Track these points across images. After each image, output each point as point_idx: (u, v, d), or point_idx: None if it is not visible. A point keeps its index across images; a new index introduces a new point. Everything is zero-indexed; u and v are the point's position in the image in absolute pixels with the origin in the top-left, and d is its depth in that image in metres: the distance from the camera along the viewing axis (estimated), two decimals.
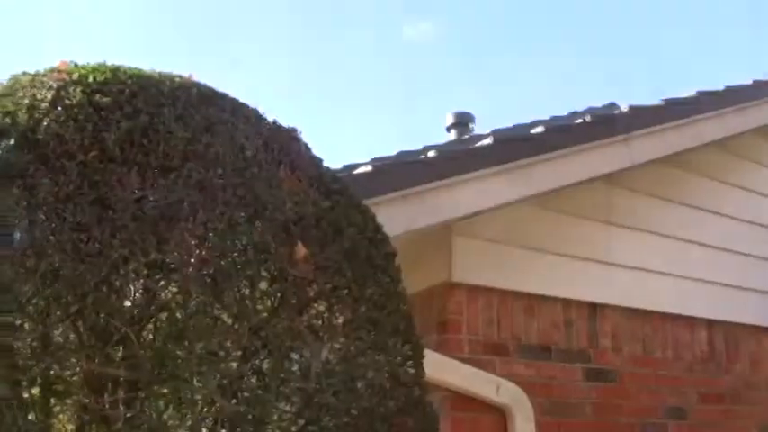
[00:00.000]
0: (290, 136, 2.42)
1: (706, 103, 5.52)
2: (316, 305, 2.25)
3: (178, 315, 2.00)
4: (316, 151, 2.51)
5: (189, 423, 1.98)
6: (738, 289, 5.89)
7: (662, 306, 5.36)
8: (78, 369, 1.96)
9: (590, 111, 6.13)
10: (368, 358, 2.29)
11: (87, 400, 1.94)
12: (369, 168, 3.73)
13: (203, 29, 16.28)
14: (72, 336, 1.95)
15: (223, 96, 2.32)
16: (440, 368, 3.94)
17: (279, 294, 2.16)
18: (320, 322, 2.24)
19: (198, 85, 2.28)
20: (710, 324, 5.68)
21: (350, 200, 2.47)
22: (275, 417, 2.07)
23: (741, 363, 5.84)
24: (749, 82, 6.13)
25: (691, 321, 5.55)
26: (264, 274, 2.14)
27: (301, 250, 2.19)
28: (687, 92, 5.75)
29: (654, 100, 5.40)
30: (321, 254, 2.25)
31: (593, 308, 5.01)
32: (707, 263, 5.73)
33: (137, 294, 2.03)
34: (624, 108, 5.31)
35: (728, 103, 5.70)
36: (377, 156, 4.35)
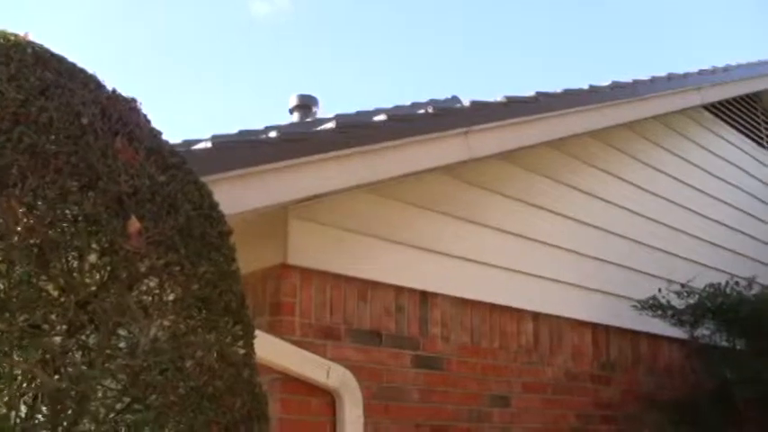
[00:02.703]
0: (129, 106, 2.35)
1: (545, 103, 5.70)
2: (147, 281, 2.19)
3: (1, 285, 1.91)
4: (155, 124, 2.45)
5: (6, 399, 1.90)
6: (563, 284, 6.12)
7: (491, 297, 5.51)
8: None
9: (432, 103, 6.23)
10: (198, 337, 2.25)
11: None
12: (208, 145, 3.67)
13: None
14: None
15: (60, 59, 2.23)
16: (271, 350, 3.93)
17: (109, 268, 2.09)
18: (150, 299, 2.18)
19: (34, 46, 2.18)
20: (536, 316, 5.88)
21: (187, 175, 2.42)
22: (99, 394, 2.01)
23: (563, 355, 6.07)
24: (586, 86, 6.35)
25: (518, 313, 5.74)
26: (95, 246, 2.07)
27: (134, 224, 2.13)
28: (554, 89, 5.94)
29: (496, 96, 5.53)
30: (155, 229, 2.20)
31: (425, 296, 5.10)
32: (536, 258, 5.93)
33: None
34: (466, 102, 5.42)
35: (565, 105, 5.90)
36: (218, 133, 4.29)
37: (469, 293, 5.37)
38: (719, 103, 9.01)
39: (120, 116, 2.27)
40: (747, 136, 9.64)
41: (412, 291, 5.04)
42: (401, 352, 4.89)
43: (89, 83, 2.26)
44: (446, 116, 4.99)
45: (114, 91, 2.34)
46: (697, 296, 6.41)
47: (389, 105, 6.52)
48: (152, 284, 2.20)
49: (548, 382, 5.90)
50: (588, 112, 6.19)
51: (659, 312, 6.39)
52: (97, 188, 2.07)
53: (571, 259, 6.30)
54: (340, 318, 4.61)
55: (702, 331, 6.52)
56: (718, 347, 6.51)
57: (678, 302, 6.42)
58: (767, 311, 6.16)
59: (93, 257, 2.07)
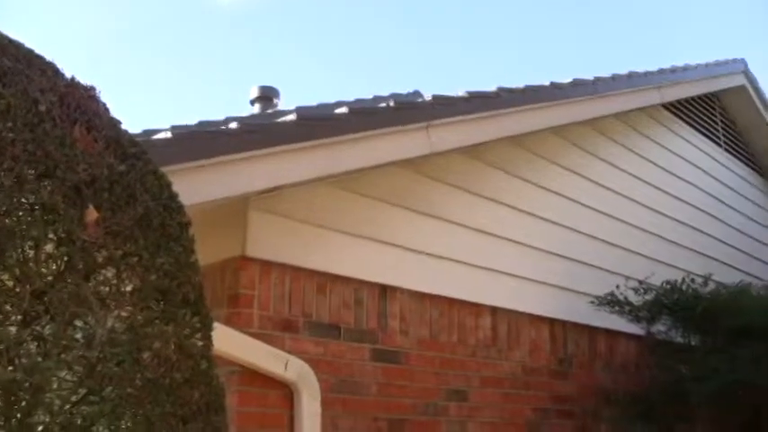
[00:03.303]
0: (88, 95, 2.32)
1: (506, 99, 5.72)
2: (104, 271, 2.16)
3: None
4: (114, 113, 2.42)
5: None
6: (522, 279, 6.16)
7: (450, 291, 5.52)
8: None
9: (394, 96, 6.24)
10: (155, 328, 2.23)
11: None
12: (168, 135, 3.65)
13: None
14: None
15: (18, 45, 2.19)
16: (229, 342, 3.92)
17: (65, 258, 2.06)
18: (108, 289, 2.16)
19: None
20: (495, 311, 5.91)
21: (147, 165, 2.40)
22: (55, 385, 1.98)
23: (521, 349, 6.10)
24: (547, 83, 6.38)
25: (476, 307, 5.76)
26: (51, 235, 2.04)
27: (92, 213, 2.10)
28: (517, 84, 5.97)
29: (457, 91, 5.54)
30: (113, 219, 2.17)
31: (384, 290, 5.10)
32: (495, 253, 5.95)
33: None
34: (428, 97, 5.42)
35: (527, 102, 5.92)
36: (178, 123, 4.26)
37: (429, 287, 5.38)
38: (679, 102, 9.11)
39: (79, 104, 2.24)
40: (705, 135, 9.76)
41: (371, 284, 5.04)
42: (360, 345, 4.89)
43: (47, 70, 2.23)
44: (408, 110, 4.99)
45: (73, 79, 2.31)
46: (654, 293, 6.48)
47: (351, 98, 6.52)
48: (110, 275, 2.17)
49: (505, 376, 5.92)
50: (549, 108, 6.23)
51: (617, 308, 6.45)
52: (54, 177, 2.05)
53: (530, 255, 6.34)
54: (299, 310, 4.60)
55: (659, 327, 6.60)
56: (673, 343, 6.58)
57: (635, 299, 6.49)
58: (722, 309, 6.24)
59: (49, 247, 2.04)
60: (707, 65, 9.41)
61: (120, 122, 2.41)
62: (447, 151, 5.27)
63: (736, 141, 10.64)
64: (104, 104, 2.38)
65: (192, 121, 4.56)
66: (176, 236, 2.40)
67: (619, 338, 7.16)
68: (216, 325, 2.54)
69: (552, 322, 6.49)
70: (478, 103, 5.45)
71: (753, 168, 10.95)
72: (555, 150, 6.83)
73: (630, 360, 7.19)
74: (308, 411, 4.41)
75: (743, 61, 10.33)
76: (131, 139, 2.42)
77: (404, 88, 6.64)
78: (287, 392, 4.41)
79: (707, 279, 6.59)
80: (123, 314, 2.17)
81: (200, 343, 2.38)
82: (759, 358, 5.89)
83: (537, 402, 6.15)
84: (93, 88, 2.35)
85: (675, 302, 6.39)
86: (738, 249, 9.74)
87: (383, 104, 5.05)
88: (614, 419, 6.36)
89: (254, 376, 4.26)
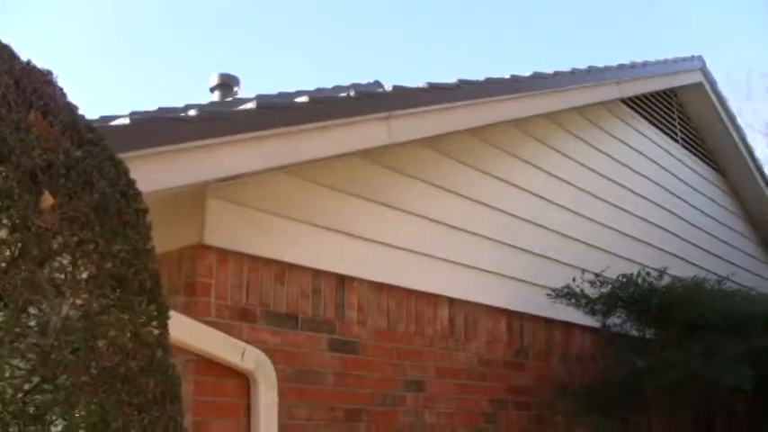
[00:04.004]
0: (45, 79, 2.29)
1: (467, 91, 5.73)
2: (59, 258, 2.13)
3: None
4: (72, 98, 2.38)
5: None
6: (480, 271, 6.19)
7: (408, 282, 5.53)
8: None
9: (354, 86, 6.23)
10: (111, 316, 2.21)
11: None
12: (126, 121, 3.61)
13: None
14: None
15: None
16: (186, 331, 3.90)
17: (20, 244, 2.03)
18: (63, 276, 2.13)
19: None
20: (452, 302, 5.93)
21: (104, 151, 2.37)
22: (7, 374, 1.95)
23: (478, 341, 6.13)
24: (508, 76, 6.40)
25: (434, 298, 5.77)
26: (5, 221, 2.01)
27: (48, 199, 2.07)
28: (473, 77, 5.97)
29: (418, 82, 5.54)
30: (69, 205, 2.14)
31: (342, 280, 5.10)
32: (454, 244, 5.97)
33: None
34: (388, 87, 5.42)
35: (487, 94, 5.94)
36: (136, 110, 4.22)
37: (387, 278, 5.38)
38: (637, 97, 9.20)
39: (35, 89, 2.21)
40: (662, 131, 9.86)
41: (329, 274, 5.03)
42: (317, 335, 4.88)
43: (2, 53, 2.19)
44: (368, 100, 4.99)
45: (29, 62, 2.27)
46: (610, 286, 6.54)
47: (312, 88, 6.50)
48: (65, 262, 2.14)
49: (462, 367, 5.95)
50: (509, 101, 6.25)
51: (573, 301, 6.50)
52: (9, 162, 2.01)
53: (488, 246, 6.37)
54: (256, 300, 4.58)
55: (614, 320, 6.66)
56: (628, 336, 6.65)
57: (591, 291, 6.54)
58: (676, 302, 6.32)
59: (3, 233, 2.01)
60: (665, 61, 9.50)
61: (77, 107, 2.38)
62: (407, 142, 5.28)
63: (692, 137, 10.76)
64: (61, 89, 2.34)
65: (151, 107, 4.52)
66: (133, 223, 2.37)
67: (575, 331, 7.23)
68: (172, 313, 2.53)
69: (509, 314, 6.52)
70: (439, 94, 5.45)
71: (708, 164, 11.09)
72: (514, 143, 6.86)
73: (586, 352, 7.26)
74: (265, 401, 4.40)
75: (701, 59, 10.45)
76: (88, 124, 2.39)
77: (365, 79, 6.62)
78: (244, 382, 4.40)
79: (662, 273, 6.66)
80: (78, 302, 2.15)
81: (156, 331, 2.36)
82: (712, 352, 5.97)
83: (493, 393, 6.19)
84: (49, 72, 2.32)
85: (631, 296, 6.45)
86: (693, 244, 9.87)
87: (344, 94, 5.04)
88: (570, 411, 6.42)
89: (210, 365, 4.24)
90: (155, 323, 2.37)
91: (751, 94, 33.42)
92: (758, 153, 12.03)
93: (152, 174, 3.52)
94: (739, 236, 11.56)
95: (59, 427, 2.00)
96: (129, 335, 2.23)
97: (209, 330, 4.21)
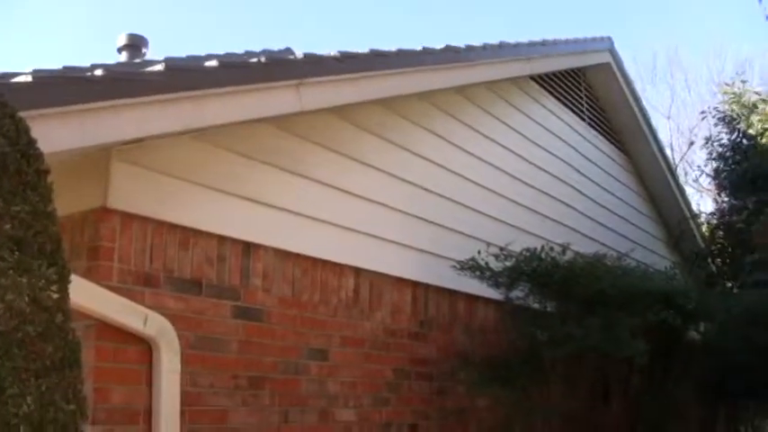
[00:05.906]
0: None
1: (378, 61, 5.72)
2: None
3: None
4: None
5: None
6: (386, 241, 6.21)
7: (314, 251, 5.52)
8: None
9: (265, 52, 6.15)
10: (9, 280, 2.15)
11: None
12: (29, 79, 3.50)
13: None
14: None
15: None
16: (87, 295, 3.82)
17: None
18: None
19: None
20: (358, 272, 5.94)
21: (4, 109, 2.30)
22: None
23: (383, 311, 6.16)
24: (420, 47, 6.40)
25: (339, 268, 5.77)
26: None
27: None
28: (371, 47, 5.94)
29: (330, 51, 5.50)
30: None
31: (247, 247, 5.06)
32: (361, 214, 5.98)
33: None
34: (299, 55, 5.37)
35: (398, 65, 5.94)
36: (39, 68, 4.09)
37: (292, 246, 5.36)
38: (547, 75, 9.32)
39: None
40: (570, 109, 10.02)
41: (234, 241, 4.98)
42: (221, 302, 4.84)
43: None
44: (279, 66, 4.94)
45: None
46: (514, 259, 6.63)
47: (222, 52, 6.41)
48: None
49: (366, 337, 5.97)
50: (419, 73, 6.26)
51: (477, 273, 6.57)
52: None
53: (395, 217, 6.39)
54: (160, 265, 4.52)
55: (517, 293, 6.77)
56: (531, 309, 6.77)
57: (496, 265, 6.62)
58: (578, 277, 6.45)
59: None
60: (576, 40, 9.64)
61: None
62: (317, 110, 5.25)
63: (599, 117, 10.96)
64: None
65: (55, 66, 4.38)
66: (33, 184, 2.32)
67: (479, 303, 7.32)
68: (73, 277, 2.48)
69: (415, 285, 6.57)
70: (350, 63, 5.43)
71: (614, 144, 11.32)
72: (423, 115, 6.88)
73: (489, 324, 7.36)
74: (168, 368, 4.35)
75: (609, 39, 10.63)
76: None
77: (276, 46, 6.56)
78: (146, 348, 4.34)
79: (565, 248, 6.79)
80: None
81: (55, 295, 2.31)
82: (610, 326, 6.13)
83: (396, 363, 6.24)
84: None
85: (534, 270, 6.56)
86: (596, 221, 10.08)
87: (254, 60, 4.98)
88: (471, 382, 6.51)
89: (112, 331, 4.17)
90: (54, 287, 2.32)
91: (655, 78, 34.27)
92: (661, 135, 12.32)
93: (55, 134, 3.42)
94: (639, 214, 11.84)
95: None
96: (27, 299, 2.18)
97: (111, 295, 4.13)
